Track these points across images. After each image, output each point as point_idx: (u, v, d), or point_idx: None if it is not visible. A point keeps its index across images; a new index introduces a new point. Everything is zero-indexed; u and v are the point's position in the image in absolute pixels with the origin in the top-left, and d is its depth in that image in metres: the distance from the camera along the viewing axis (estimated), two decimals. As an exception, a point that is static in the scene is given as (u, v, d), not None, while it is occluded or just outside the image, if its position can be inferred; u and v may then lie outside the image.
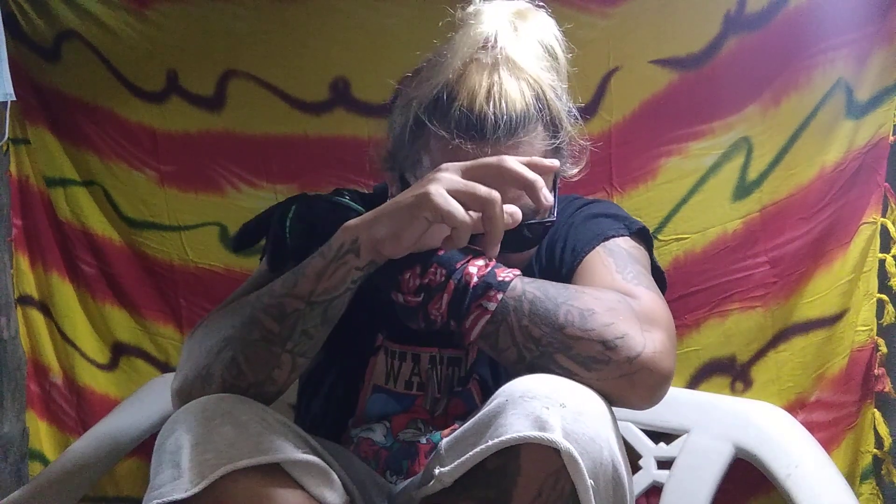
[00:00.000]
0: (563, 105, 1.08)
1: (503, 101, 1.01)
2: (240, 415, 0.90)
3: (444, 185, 0.91)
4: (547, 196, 0.94)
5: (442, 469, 0.87)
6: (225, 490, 0.85)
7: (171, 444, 0.88)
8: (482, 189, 0.90)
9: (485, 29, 1.05)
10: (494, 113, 1.00)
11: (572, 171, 1.15)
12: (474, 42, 1.04)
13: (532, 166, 0.95)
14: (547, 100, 1.05)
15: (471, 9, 1.09)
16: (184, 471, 0.85)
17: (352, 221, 0.97)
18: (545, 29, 1.09)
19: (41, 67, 1.67)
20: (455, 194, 0.90)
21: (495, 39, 1.04)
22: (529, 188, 0.93)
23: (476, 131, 1.01)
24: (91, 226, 1.71)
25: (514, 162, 0.93)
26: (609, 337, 0.90)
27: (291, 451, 0.89)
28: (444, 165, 0.94)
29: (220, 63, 1.63)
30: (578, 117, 1.12)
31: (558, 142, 1.07)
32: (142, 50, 1.64)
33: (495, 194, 0.90)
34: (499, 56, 1.03)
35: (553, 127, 1.06)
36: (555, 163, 1.01)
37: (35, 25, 1.66)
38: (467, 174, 0.92)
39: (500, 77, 1.02)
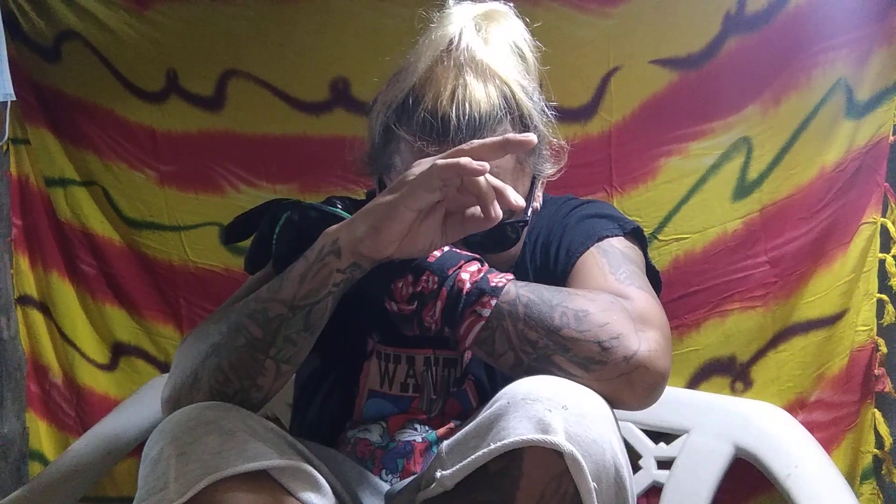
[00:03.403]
0: (535, 104, 1.07)
1: (467, 103, 1.00)
2: (225, 423, 0.90)
3: (415, 173, 0.91)
4: (483, 185, 0.90)
5: (443, 472, 0.87)
6: (211, 499, 0.84)
7: (157, 455, 0.88)
8: (439, 160, 0.90)
9: (449, 31, 1.05)
10: (457, 114, 1.00)
11: (550, 169, 1.14)
12: (438, 44, 1.04)
13: (505, 143, 0.92)
14: (516, 99, 1.04)
15: (440, 12, 1.09)
16: (170, 481, 0.85)
17: (334, 226, 0.97)
18: (511, 29, 1.09)
19: (41, 67, 1.67)
20: (425, 178, 0.90)
21: (459, 41, 1.03)
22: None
23: (438, 133, 1.01)
24: (91, 226, 1.71)
25: (441, 159, 0.90)
26: (604, 337, 0.91)
27: (277, 458, 0.89)
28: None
29: (220, 63, 1.63)
30: (550, 116, 1.10)
31: None
32: (142, 50, 1.63)
33: (453, 151, 0.90)
34: (463, 57, 1.02)
35: (523, 126, 1.06)
36: (530, 136, 0.94)
37: (35, 25, 1.65)
38: None
39: (464, 79, 1.01)
